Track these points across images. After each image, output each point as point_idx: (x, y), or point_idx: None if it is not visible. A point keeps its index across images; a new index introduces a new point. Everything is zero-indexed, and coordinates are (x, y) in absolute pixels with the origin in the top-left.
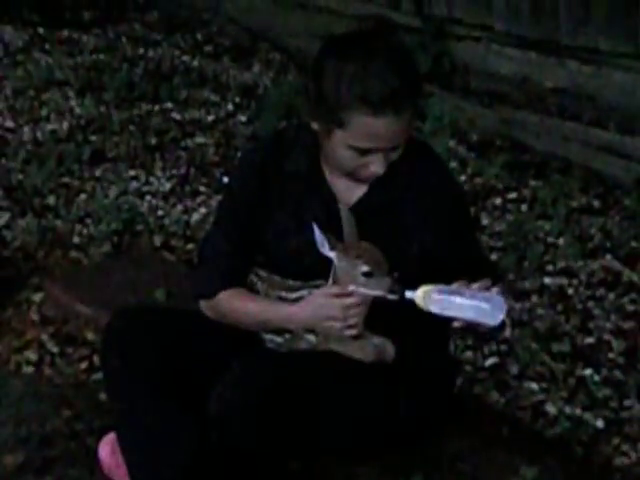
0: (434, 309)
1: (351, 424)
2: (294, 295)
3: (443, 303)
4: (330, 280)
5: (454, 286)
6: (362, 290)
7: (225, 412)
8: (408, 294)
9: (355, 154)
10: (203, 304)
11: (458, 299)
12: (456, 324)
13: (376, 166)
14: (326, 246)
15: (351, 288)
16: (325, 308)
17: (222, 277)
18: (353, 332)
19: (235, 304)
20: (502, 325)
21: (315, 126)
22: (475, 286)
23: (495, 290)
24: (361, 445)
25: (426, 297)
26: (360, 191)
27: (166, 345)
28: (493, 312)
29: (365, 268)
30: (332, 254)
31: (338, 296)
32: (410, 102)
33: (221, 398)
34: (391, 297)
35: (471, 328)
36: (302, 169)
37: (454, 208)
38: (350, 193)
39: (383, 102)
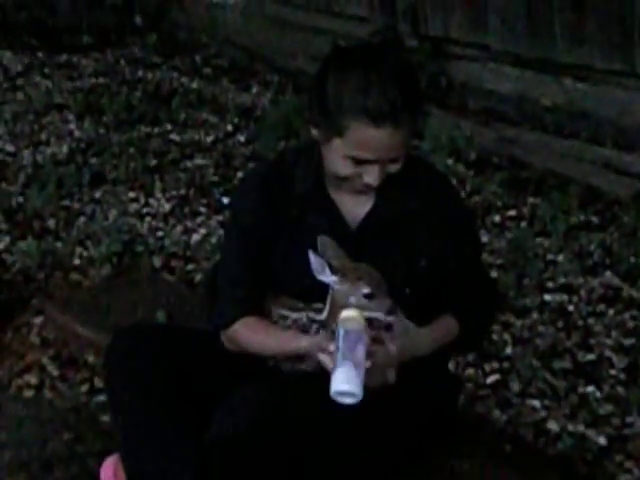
0: None
1: (353, 445)
2: (294, 315)
3: None
4: (327, 304)
5: None
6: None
7: (224, 440)
8: None
9: (351, 163)
10: (222, 337)
11: None
12: None
13: (370, 177)
14: (327, 271)
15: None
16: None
17: (237, 306)
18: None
19: (251, 336)
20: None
21: (315, 133)
22: None
23: None
24: (363, 465)
25: None
26: (366, 208)
27: (169, 365)
28: None
29: (366, 290)
30: (332, 279)
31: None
32: (409, 116)
33: (221, 426)
34: (388, 318)
35: None
36: (307, 191)
37: (462, 224)
38: (356, 211)
39: (382, 114)
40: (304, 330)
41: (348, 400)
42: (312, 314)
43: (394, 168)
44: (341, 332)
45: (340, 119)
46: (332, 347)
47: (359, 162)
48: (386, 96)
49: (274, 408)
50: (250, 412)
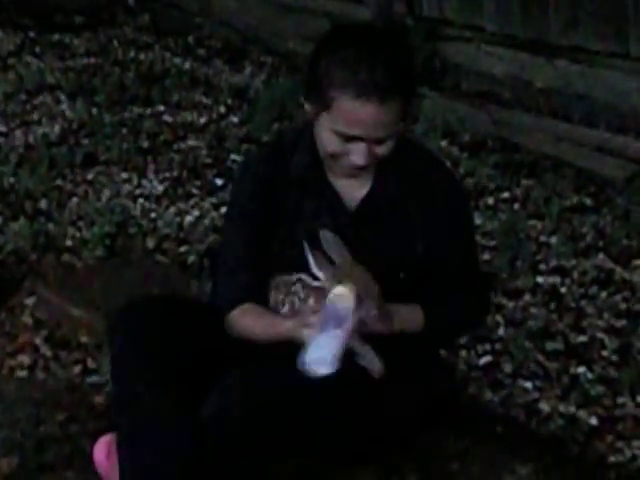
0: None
1: (346, 429)
2: (286, 278)
3: None
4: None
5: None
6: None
7: (217, 420)
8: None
9: (338, 140)
10: (225, 321)
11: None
12: None
13: (356, 156)
14: (314, 267)
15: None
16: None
17: (236, 292)
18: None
19: (244, 324)
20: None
21: (307, 108)
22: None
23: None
24: (356, 449)
25: None
26: (363, 191)
27: (176, 336)
28: None
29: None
30: (320, 275)
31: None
32: (397, 95)
33: (214, 406)
34: (378, 326)
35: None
36: (305, 173)
37: (459, 210)
38: (354, 193)
39: (367, 88)
40: (293, 293)
41: (322, 370)
42: (305, 277)
43: (382, 150)
44: (329, 307)
45: (328, 92)
46: (314, 319)
47: (346, 139)
48: (373, 71)
49: (268, 389)
50: (244, 392)
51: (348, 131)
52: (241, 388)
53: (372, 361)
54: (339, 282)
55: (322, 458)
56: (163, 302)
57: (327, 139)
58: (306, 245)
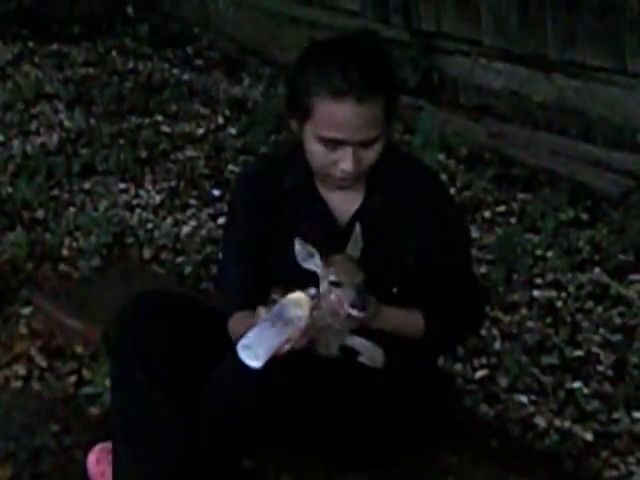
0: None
1: (340, 434)
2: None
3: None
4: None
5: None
6: (329, 297)
7: (213, 410)
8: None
9: (324, 149)
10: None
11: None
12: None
13: (345, 163)
14: (310, 259)
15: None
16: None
17: (235, 300)
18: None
19: (234, 330)
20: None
21: (293, 125)
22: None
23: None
24: (350, 455)
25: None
26: (355, 205)
27: (177, 335)
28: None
29: (333, 277)
30: (316, 262)
31: None
32: (373, 95)
33: (209, 395)
34: (353, 312)
35: None
36: (297, 187)
37: (449, 222)
38: (345, 208)
39: (342, 89)
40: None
41: (250, 362)
42: (278, 297)
43: (370, 155)
44: (281, 306)
45: (307, 100)
46: (263, 312)
47: (331, 146)
48: (345, 72)
49: (263, 379)
50: (233, 382)
51: (330, 134)
52: (232, 378)
53: (373, 353)
54: (325, 266)
55: (312, 451)
56: (161, 301)
57: (314, 150)
58: (297, 241)
